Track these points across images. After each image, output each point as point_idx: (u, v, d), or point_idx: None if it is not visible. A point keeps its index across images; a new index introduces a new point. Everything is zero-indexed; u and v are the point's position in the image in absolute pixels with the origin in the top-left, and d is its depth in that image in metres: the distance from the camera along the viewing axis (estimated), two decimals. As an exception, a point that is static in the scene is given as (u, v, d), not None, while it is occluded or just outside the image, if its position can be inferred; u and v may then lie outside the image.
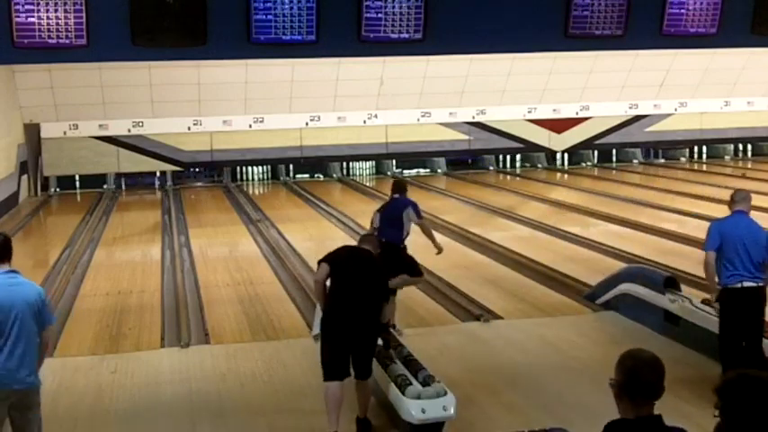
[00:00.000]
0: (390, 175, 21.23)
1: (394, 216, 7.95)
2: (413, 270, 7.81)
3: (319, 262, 5.81)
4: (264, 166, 20.94)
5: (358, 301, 5.64)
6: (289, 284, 9.97)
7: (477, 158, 22.20)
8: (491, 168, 21.95)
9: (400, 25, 8.73)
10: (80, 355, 7.60)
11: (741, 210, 6.28)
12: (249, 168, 20.95)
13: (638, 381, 3.06)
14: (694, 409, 5.43)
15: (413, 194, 8.52)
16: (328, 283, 5.77)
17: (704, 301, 7.49)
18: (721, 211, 14.09)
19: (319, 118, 20.01)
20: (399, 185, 8.34)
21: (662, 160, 23.14)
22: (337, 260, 5.76)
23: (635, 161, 22.90)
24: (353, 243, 6.21)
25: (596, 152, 22.67)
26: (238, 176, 20.86)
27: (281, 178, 20.79)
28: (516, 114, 21.14)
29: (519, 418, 5.82)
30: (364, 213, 15.30)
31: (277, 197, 18.78)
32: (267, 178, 21.17)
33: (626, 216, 14.07)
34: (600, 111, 21.61)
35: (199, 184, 20.77)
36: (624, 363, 3.08)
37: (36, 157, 18.85)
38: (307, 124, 20.01)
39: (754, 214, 6.42)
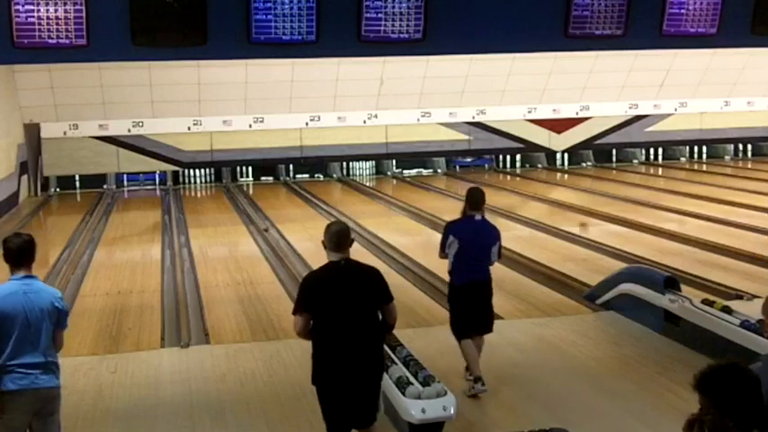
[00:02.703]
0: (391, 175, 21.26)
1: (483, 252, 6.47)
2: (486, 323, 6.59)
3: (294, 313, 4.75)
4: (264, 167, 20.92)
5: (349, 339, 4.66)
6: (289, 284, 9.96)
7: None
8: (487, 167, 21.98)
9: (400, 25, 8.73)
10: (80, 355, 7.59)
11: None
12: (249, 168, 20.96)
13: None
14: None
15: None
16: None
17: (704, 301, 7.50)
18: (721, 211, 14.14)
19: (319, 118, 20.02)
20: (479, 199, 6.55)
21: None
22: (312, 300, 4.70)
23: (635, 161, 22.91)
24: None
25: (596, 152, 22.67)
26: (238, 176, 20.87)
27: (281, 178, 20.80)
28: (516, 114, 21.14)
29: (519, 418, 5.82)
30: (364, 213, 15.34)
31: (277, 197, 18.77)
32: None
33: (626, 216, 14.07)
34: (600, 111, 21.61)
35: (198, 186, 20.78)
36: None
37: (36, 157, 18.86)
38: (307, 124, 20.01)
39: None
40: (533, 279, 10.08)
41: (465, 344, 6.47)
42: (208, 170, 20.73)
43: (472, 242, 6.41)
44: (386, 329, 4.91)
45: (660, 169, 22.07)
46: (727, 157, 23.24)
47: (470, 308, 6.50)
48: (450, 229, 6.53)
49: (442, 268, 10.40)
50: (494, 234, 6.50)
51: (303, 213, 16.23)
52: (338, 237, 4.70)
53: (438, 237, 6.88)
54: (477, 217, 6.48)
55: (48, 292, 4.64)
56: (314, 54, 9.24)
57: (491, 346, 7.65)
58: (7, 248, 4.60)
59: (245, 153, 19.86)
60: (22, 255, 4.59)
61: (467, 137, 21.02)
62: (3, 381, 4.46)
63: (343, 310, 4.66)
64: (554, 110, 21.32)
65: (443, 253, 6.54)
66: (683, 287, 8.08)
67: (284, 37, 8.40)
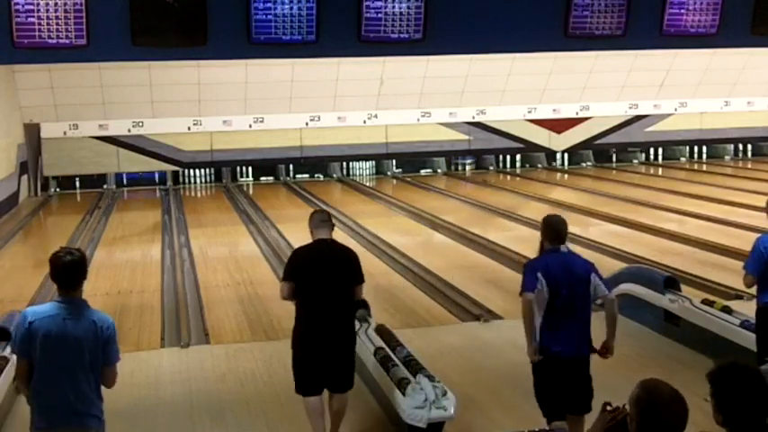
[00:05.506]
0: (391, 175, 21.25)
1: (579, 299, 5.02)
2: (583, 399, 5.08)
3: (281, 279, 5.44)
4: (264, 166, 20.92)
5: (328, 307, 5.27)
6: (289, 284, 9.95)
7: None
8: (491, 168, 21.98)
9: (400, 25, 8.72)
10: (80, 355, 7.59)
11: None
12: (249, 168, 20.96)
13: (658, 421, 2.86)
14: (694, 410, 5.42)
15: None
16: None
17: (704, 301, 7.50)
18: (721, 211, 14.13)
19: (319, 118, 20.03)
20: (563, 230, 5.09)
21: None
22: (298, 269, 5.35)
23: (635, 161, 22.92)
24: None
25: (596, 152, 22.68)
26: (238, 176, 20.87)
27: (281, 178, 20.80)
28: (516, 114, 21.15)
29: (519, 418, 5.82)
30: (364, 213, 15.33)
31: (277, 197, 18.77)
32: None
33: (626, 216, 14.08)
34: (600, 111, 21.63)
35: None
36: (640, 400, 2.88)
37: (36, 157, 18.86)
38: (307, 124, 20.02)
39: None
40: (533, 279, 10.06)
41: (555, 426, 5.02)
42: (208, 170, 20.74)
43: (565, 285, 4.97)
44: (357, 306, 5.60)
45: (660, 169, 22.08)
46: (727, 157, 23.26)
47: (563, 384, 5.12)
48: (534, 266, 5.10)
49: (442, 268, 10.45)
50: (588, 267, 5.08)
51: (303, 213, 16.05)
52: (326, 217, 5.57)
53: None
54: (564, 249, 5.06)
55: (89, 320, 3.99)
56: (314, 54, 9.24)
57: (491, 346, 7.66)
58: (53, 267, 4.03)
59: (245, 153, 19.87)
60: (68, 275, 4.02)
61: (467, 137, 21.02)
62: (34, 415, 4.02)
63: (323, 281, 5.26)
64: (554, 110, 21.33)
65: (530, 293, 5.10)
66: (683, 287, 8.07)
67: (284, 37, 8.40)
